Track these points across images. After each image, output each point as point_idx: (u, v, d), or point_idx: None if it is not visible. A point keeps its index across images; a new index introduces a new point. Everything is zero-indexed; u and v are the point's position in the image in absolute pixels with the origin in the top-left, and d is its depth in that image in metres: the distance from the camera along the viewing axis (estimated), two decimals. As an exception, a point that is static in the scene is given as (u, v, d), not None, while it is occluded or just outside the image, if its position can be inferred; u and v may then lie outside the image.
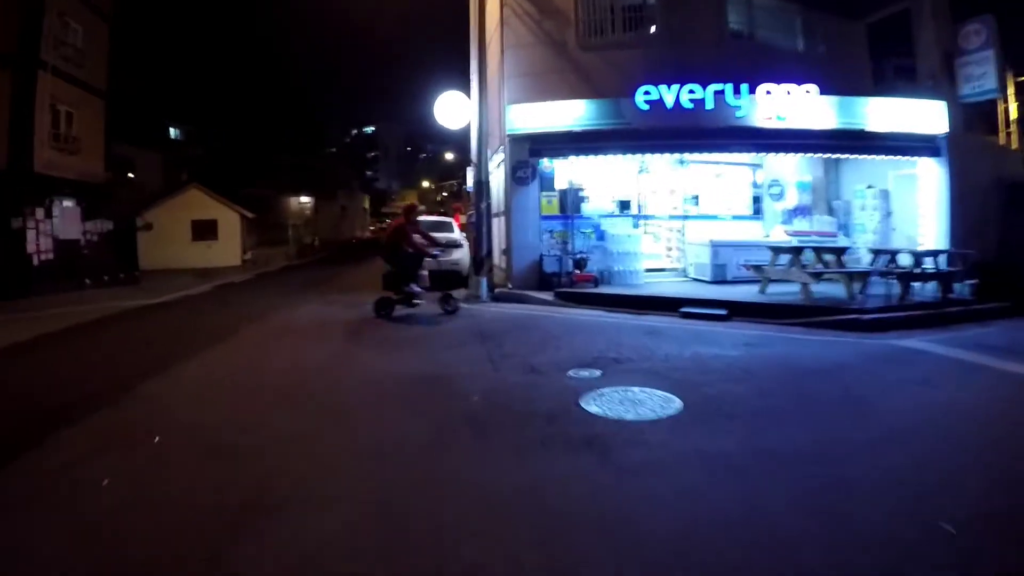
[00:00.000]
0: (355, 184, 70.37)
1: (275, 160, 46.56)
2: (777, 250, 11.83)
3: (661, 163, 14.88)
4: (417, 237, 11.14)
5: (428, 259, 11.35)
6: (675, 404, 5.43)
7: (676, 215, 15.21)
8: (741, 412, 5.31)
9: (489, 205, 14.03)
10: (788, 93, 12.58)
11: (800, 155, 14.02)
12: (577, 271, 13.08)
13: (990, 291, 11.26)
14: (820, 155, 13.74)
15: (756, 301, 10.99)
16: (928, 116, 13.05)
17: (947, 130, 13.05)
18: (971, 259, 11.49)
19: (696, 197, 15.26)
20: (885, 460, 4.26)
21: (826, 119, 12.75)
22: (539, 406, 5.50)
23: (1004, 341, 8.72)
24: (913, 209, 13.67)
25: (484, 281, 13.12)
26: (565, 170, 14.12)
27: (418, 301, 11.18)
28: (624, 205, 14.84)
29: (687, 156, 14.24)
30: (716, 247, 13.47)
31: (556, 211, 13.89)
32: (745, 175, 15.49)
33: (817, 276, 11.05)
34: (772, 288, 11.66)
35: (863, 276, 11.04)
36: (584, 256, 13.34)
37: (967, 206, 12.89)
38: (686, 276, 14.41)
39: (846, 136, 12.89)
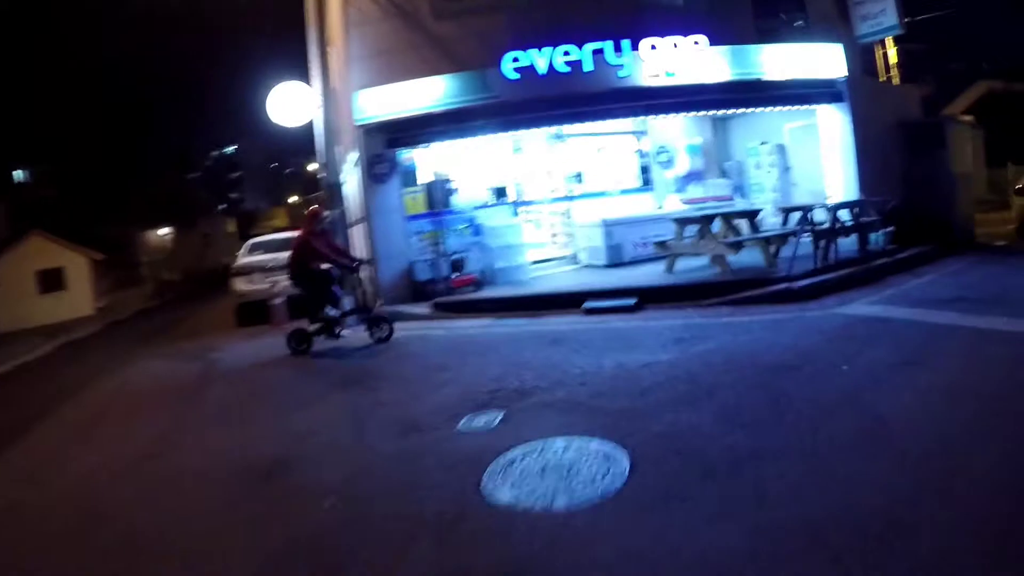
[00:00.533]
0: (218, 208, 65.85)
1: (131, 194, 42.26)
2: (683, 222, 10.34)
3: (537, 140, 13.19)
4: (326, 249, 8.94)
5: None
6: (620, 463, 3.59)
7: (559, 197, 13.57)
8: (716, 460, 3.56)
9: (345, 212, 11.80)
10: (675, 46, 11.04)
11: (690, 116, 12.65)
12: (455, 275, 11.12)
13: (906, 237, 10.71)
14: (716, 111, 12.33)
15: (667, 283, 9.64)
16: (826, 60, 11.90)
17: (847, 74, 11.98)
18: (888, 206, 10.53)
19: (579, 174, 13.68)
20: (964, 512, 2.73)
21: (720, 72, 11.28)
22: (424, 501, 3.54)
23: (955, 291, 7.87)
24: (814, 162, 12.58)
25: (348, 303, 10.87)
26: (429, 160, 12.20)
27: (341, 330, 9.16)
28: (500, 192, 12.96)
29: (565, 129, 12.56)
30: (608, 227, 11.93)
31: (423, 208, 11.77)
32: (630, 144, 14.04)
33: (736, 246, 9.65)
34: (679, 264, 10.31)
35: (782, 239, 9.74)
36: (461, 256, 11.38)
37: (872, 152, 11.94)
38: (578, 263, 12.76)
39: (742, 88, 11.47)
